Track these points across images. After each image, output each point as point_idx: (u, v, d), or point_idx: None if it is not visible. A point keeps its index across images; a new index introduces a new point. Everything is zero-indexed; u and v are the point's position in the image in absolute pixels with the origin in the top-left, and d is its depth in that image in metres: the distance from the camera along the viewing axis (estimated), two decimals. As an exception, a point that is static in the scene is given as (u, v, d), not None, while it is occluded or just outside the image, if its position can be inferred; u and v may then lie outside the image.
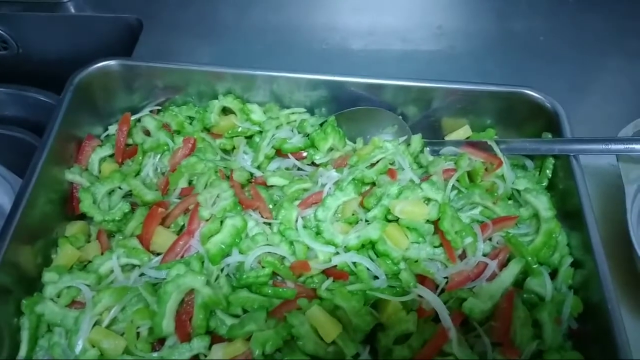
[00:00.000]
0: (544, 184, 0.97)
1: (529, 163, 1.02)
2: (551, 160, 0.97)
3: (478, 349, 0.81)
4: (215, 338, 0.79)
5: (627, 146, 0.90)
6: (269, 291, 0.82)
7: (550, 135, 0.99)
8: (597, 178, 1.05)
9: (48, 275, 0.85)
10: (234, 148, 1.08)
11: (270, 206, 0.94)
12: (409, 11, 1.48)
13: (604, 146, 0.91)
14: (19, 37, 1.51)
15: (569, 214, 0.91)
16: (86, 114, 1.04)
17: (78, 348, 0.77)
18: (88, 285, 0.83)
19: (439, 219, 0.86)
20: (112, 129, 1.06)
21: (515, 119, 1.04)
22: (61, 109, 0.97)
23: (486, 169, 0.96)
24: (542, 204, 0.90)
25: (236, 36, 1.40)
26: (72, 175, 0.97)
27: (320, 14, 1.47)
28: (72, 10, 1.47)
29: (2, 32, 1.49)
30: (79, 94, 1.00)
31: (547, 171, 0.97)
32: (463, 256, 0.87)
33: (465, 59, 1.36)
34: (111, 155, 1.04)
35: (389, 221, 0.88)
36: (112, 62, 1.03)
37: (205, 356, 0.78)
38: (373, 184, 0.95)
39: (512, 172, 0.97)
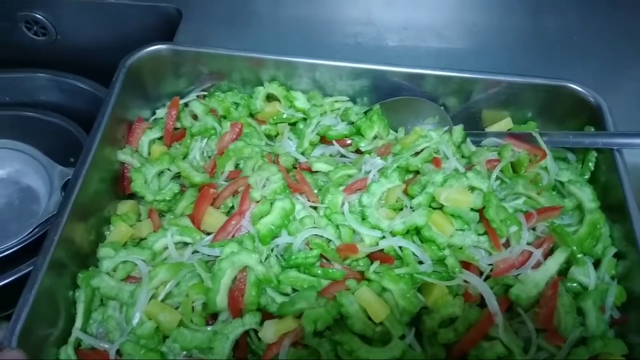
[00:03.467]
0: (586, 177, 0.98)
1: (570, 156, 1.03)
2: (594, 154, 0.98)
3: (522, 335, 0.82)
4: (265, 315, 0.82)
5: (671, 141, 0.91)
6: (319, 272, 0.84)
7: (592, 129, 1.00)
8: (636, 175, 1.05)
9: (104, 251, 0.88)
10: (277, 134, 1.11)
11: (315, 191, 0.96)
12: (444, 7, 1.49)
13: (648, 140, 0.92)
14: (57, 23, 1.53)
15: (611, 206, 0.92)
16: (136, 97, 1.07)
17: (135, 320, 0.80)
18: (143, 261, 0.85)
19: (483, 208, 0.88)
20: (160, 112, 1.09)
21: (557, 112, 1.06)
22: (114, 91, 0.99)
23: (529, 161, 0.98)
24: (586, 195, 0.91)
25: (271, 28, 1.41)
26: (124, 156, 0.99)
27: (354, 7, 1.48)
28: (112, -1, 1.49)
29: (41, 17, 1.51)
30: (129, 78, 1.03)
31: (590, 164, 0.98)
32: (507, 245, 0.88)
33: (499, 56, 1.36)
34: (160, 138, 1.07)
35: (434, 209, 0.90)
36: (162, 47, 1.06)
37: (256, 332, 0.80)
38: (417, 172, 0.96)
39: (555, 164, 0.98)
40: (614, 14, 1.46)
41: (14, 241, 1.09)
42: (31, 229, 1.10)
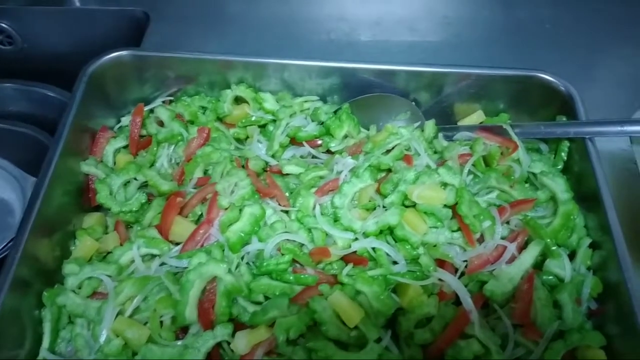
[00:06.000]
0: (559, 167, 0.97)
1: (543, 147, 1.02)
2: (566, 144, 0.97)
3: (499, 331, 0.81)
4: (237, 325, 0.80)
5: (642, 127, 0.90)
6: (291, 278, 0.82)
7: (564, 119, 0.99)
8: (608, 163, 1.04)
9: (68, 267, 0.85)
10: (247, 137, 1.08)
11: (287, 194, 0.94)
12: (416, 0, 1.48)
13: (619, 128, 0.91)
14: (23, 31, 1.49)
15: (585, 196, 0.92)
16: (99, 106, 1.04)
17: (102, 338, 0.77)
18: (109, 276, 0.83)
19: (456, 204, 0.86)
20: (125, 120, 1.06)
21: (529, 103, 1.05)
22: (75, 100, 0.97)
23: (501, 153, 0.96)
24: (559, 186, 0.90)
25: (243, 28, 1.39)
26: (88, 167, 0.97)
27: (327, 4, 1.46)
28: (77, 4, 1.46)
29: (6, 26, 1.47)
30: (91, 86, 1.00)
31: (562, 154, 0.97)
32: (481, 240, 0.87)
33: (472, 48, 1.35)
34: (125, 147, 1.04)
35: (407, 207, 0.88)
36: (124, 53, 1.03)
37: (229, 343, 0.78)
38: (389, 170, 0.95)
39: (528, 155, 0.97)
40: (586, 6, 1.44)
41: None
42: (5, 243, 1.08)
